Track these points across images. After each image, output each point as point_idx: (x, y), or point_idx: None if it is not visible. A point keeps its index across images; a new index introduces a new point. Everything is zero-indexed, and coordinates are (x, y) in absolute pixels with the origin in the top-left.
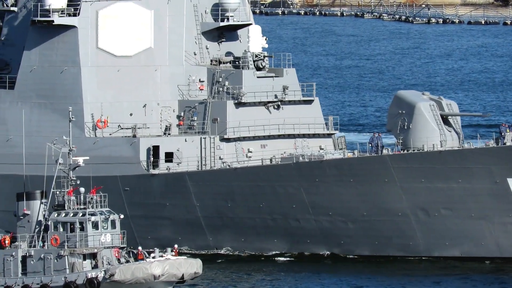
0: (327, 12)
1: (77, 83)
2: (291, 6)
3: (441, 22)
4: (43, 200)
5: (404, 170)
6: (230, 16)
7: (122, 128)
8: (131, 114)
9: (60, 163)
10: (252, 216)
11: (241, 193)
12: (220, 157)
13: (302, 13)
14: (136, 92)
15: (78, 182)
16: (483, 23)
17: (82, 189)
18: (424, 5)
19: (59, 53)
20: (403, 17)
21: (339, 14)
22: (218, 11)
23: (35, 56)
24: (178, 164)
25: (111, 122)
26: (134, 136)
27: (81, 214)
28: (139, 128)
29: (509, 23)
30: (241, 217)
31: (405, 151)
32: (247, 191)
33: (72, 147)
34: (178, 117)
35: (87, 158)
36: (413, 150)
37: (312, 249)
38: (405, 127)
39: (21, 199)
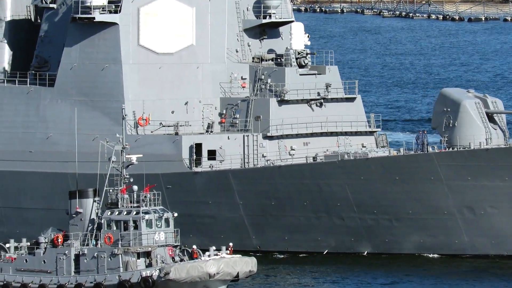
0: (327, 9)
1: (119, 81)
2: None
3: (441, 18)
4: (96, 198)
5: (450, 168)
6: (272, 13)
7: (164, 126)
8: (172, 112)
9: (113, 161)
10: (296, 214)
11: (285, 191)
12: (263, 154)
13: (303, 10)
14: (177, 89)
15: (132, 180)
16: (483, 20)
17: (135, 187)
18: (424, 1)
19: (100, 50)
20: (403, 13)
21: (339, 11)
22: (260, 8)
23: (75, 53)
24: (220, 162)
25: (153, 119)
26: (177, 133)
27: (135, 212)
28: (181, 125)
29: (509, 20)
30: (285, 215)
31: (451, 149)
32: (291, 189)
33: (126, 145)
34: (220, 114)
35: (141, 155)
36: (459, 148)
37: (356, 247)
38: (450, 125)
39: (74, 197)
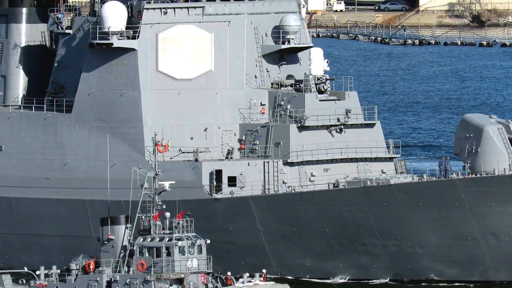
0: None
1: (137, 107)
2: None
3: (418, 43)
4: (128, 225)
5: (474, 194)
6: (291, 38)
7: (183, 152)
8: (191, 138)
9: (145, 188)
10: (317, 241)
11: (306, 217)
12: (283, 181)
13: None
14: (196, 115)
15: (164, 206)
16: (459, 44)
17: (167, 214)
18: (400, 26)
19: (118, 76)
20: (379, 38)
21: (315, 35)
22: (278, 33)
23: (93, 79)
24: (241, 188)
25: (172, 146)
26: (196, 160)
27: (167, 239)
28: (201, 152)
29: (485, 44)
30: (307, 241)
31: (473, 175)
32: (313, 215)
33: (158, 172)
34: (240, 140)
35: (173, 182)
36: (483, 174)
37: (379, 274)
38: (473, 151)
39: (105, 224)
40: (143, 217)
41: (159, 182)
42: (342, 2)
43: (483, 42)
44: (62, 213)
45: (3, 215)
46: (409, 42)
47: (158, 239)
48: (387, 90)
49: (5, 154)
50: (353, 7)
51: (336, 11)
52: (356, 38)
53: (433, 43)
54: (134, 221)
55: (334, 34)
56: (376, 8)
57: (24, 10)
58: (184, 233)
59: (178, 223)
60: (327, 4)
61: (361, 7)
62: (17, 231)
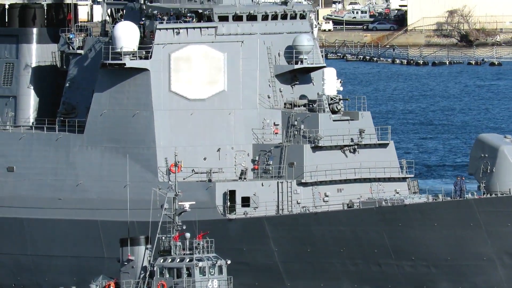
0: None
1: (150, 127)
2: None
3: (405, 63)
4: (148, 246)
5: (490, 214)
6: (304, 58)
7: (197, 173)
8: (205, 159)
9: (165, 208)
10: (332, 261)
11: (321, 238)
12: (297, 201)
13: None
14: (210, 136)
15: (184, 227)
16: (447, 63)
17: (187, 234)
18: (388, 46)
19: (131, 96)
20: (368, 57)
21: None
22: (291, 53)
23: (105, 100)
24: (255, 209)
25: (185, 166)
26: (210, 180)
27: (188, 259)
28: (214, 172)
29: (473, 63)
30: (321, 262)
31: (489, 195)
32: (327, 235)
33: (178, 192)
34: (253, 161)
35: (193, 203)
36: (498, 194)
37: None
38: (488, 171)
39: (125, 244)
40: (163, 237)
41: (179, 203)
42: (331, 22)
43: (471, 62)
44: (74, 234)
45: (15, 236)
46: (397, 61)
47: (178, 259)
48: (386, 108)
49: (17, 175)
50: (341, 26)
51: (325, 30)
52: (344, 57)
53: (421, 62)
54: (154, 242)
55: (322, 54)
56: (364, 27)
57: (35, 30)
58: (204, 253)
59: (198, 244)
60: (316, 24)
61: (350, 26)
62: (29, 252)
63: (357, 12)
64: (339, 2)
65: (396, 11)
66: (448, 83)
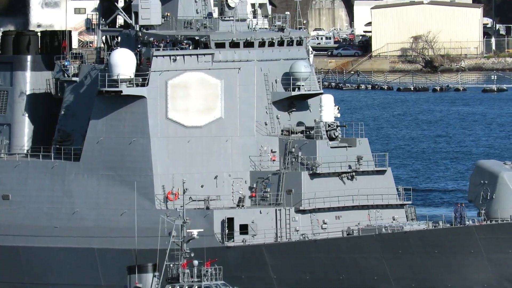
0: None
1: (147, 155)
2: None
3: (370, 88)
4: (156, 273)
5: (491, 241)
6: (301, 85)
7: (194, 200)
8: (202, 186)
9: (173, 236)
10: None
11: (320, 265)
12: (295, 228)
13: None
14: (207, 163)
15: (192, 254)
16: (412, 89)
17: (195, 262)
18: (353, 72)
19: (128, 124)
20: (333, 84)
21: None
22: (288, 80)
23: (101, 127)
24: (253, 236)
25: (182, 193)
26: (208, 208)
27: (196, 286)
28: (212, 200)
29: (438, 89)
30: None
31: (489, 221)
32: (327, 263)
33: (186, 220)
34: (251, 188)
35: (201, 230)
36: (498, 221)
37: None
38: (488, 197)
39: (133, 272)
40: (171, 265)
41: (187, 230)
42: None
43: (436, 88)
44: (70, 262)
45: (11, 264)
46: (362, 87)
47: (186, 287)
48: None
49: (12, 203)
50: None
51: None
52: None
53: (385, 88)
54: (162, 270)
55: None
56: (329, 53)
57: (29, 57)
58: (212, 281)
59: (207, 271)
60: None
61: (314, 52)
62: (25, 280)
63: (321, 38)
64: (304, 28)
65: (360, 37)
66: (412, 108)
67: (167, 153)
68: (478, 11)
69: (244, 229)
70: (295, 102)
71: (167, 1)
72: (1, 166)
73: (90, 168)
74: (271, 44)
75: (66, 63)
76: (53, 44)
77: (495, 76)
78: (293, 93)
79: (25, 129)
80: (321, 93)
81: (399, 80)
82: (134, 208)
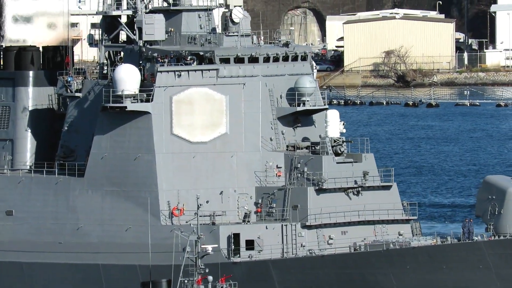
0: None
1: (152, 170)
2: None
3: (343, 103)
4: None
5: (500, 256)
6: (306, 100)
7: (200, 216)
8: (207, 202)
9: (187, 251)
10: None
11: (327, 281)
12: (302, 244)
13: None
14: (212, 179)
15: (207, 270)
16: (384, 104)
17: (210, 278)
18: (325, 86)
19: (132, 140)
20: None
21: None
22: (293, 95)
23: (106, 143)
24: (259, 252)
25: (188, 209)
26: (213, 223)
27: None
28: (217, 215)
29: (410, 104)
30: None
31: (497, 237)
32: (334, 278)
33: (200, 235)
34: (256, 204)
35: (216, 246)
36: (507, 236)
37: None
38: (496, 213)
39: None
40: (185, 281)
41: (202, 246)
42: None
43: (409, 102)
44: (75, 278)
45: (15, 281)
46: (335, 102)
47: None
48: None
49: (15, 219)
50: None
51: None
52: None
53: (358, 103)
54: (177, 285)
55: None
56: None
57: (31, 73)
58: None
59: (222, 287)
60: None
61: None
62: None
63: None
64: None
65: (332, 52)
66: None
67: (172, 169)
68: (450, 26)
69: (250, 244)
70: (300, 118)
71: (170, 17)
72: (4, 182)
73: (94, 184)
74: (276, 59)
75: (69, 79)
76: (55, 60)
77: (468, 91)
78: (298, 109)
79: (27, 145)
80: (326, 108)
81: (372, 95)
82: (146, 225)
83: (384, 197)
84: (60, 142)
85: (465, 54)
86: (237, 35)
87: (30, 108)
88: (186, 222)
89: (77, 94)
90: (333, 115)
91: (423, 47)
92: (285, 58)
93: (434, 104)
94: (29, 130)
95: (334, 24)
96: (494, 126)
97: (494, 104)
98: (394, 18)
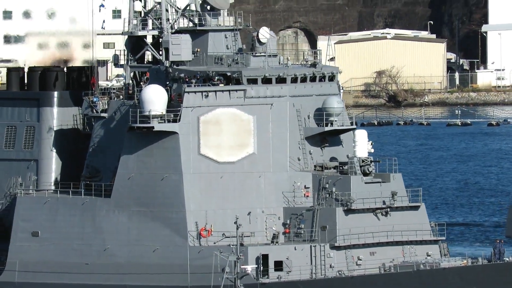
0: None
1: (179, 191)
2: None
3: None
4: None
5: None
6: (334, 120)
7: (228, 237)
8: (235, 222)
9: (227, 272)
10: None
11: None
12: (330, 265)
13: None
14: (240, 199)
15: None
16: (376, 124)
17: None
18: None
19: (159, 160)
20: None
21: None
22: (321, 115)
23: (133, 163)
24: (288, 273)
25: (215, 230)
26: (242, 244)
27: None
28: (246, 236)
29: (402, 124)
30: None
31: None
32: None
33: (240, 256)
34: (284, 224)
35: (255, 266)
36: None
37: None
38: None
39: None
40: None
41: (242, 266)
42: None
43: (400, 122)
44: None
45: None
46: None
47: None
48: None
49: (41, 240)
50: None
51: None
52: None
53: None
54: None
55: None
56: None
57: (56, 94)
58: None
59: None
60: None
61: None
62: None
63: None
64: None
65: None
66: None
67: (200, 189)
68: (441, 46)
69: (279, 265)
70: (327, 138)
71: (197, 37)
72: (30, 202)
73: (121, 204)
74: (303, 79)
75: (95, 99)
76: (80, 80)
77: (459, 111)
78: (326, 129)
79: (52, 165)
80: (354, 128)
81: (363, 115)
82: (174, 245)
83: (412, 217)
84: (85, 162)
85: (457, 74)
86: (264, 55)
87: (55, 128)
88: (214, 243)
89: (103, 115)
90: (361, 135)
91: (415, 67)
92: (313, 79)
93: (425, 123)
94: (54, 150)
95: (325, 44)
96: None
97: (485, 123)
98: (385, 38)
